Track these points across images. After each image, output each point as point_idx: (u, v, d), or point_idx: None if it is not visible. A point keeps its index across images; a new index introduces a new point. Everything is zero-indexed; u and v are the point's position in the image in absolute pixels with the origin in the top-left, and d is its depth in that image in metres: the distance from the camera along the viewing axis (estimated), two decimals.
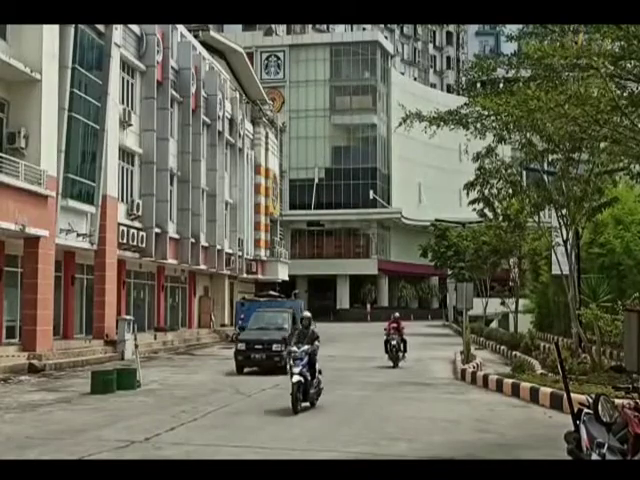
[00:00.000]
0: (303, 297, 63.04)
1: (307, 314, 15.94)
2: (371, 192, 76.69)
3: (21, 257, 24.87)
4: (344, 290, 76.58)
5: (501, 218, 33.29)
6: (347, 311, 74.12)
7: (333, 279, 75.97)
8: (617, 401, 8.44)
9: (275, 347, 22.12)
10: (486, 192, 29.13)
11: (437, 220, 56.35)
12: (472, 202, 31.93)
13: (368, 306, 72.52)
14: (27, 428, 12.53)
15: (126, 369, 19.54)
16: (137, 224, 33.14)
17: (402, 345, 24.79)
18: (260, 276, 55.06)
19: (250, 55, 65.43)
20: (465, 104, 17.05)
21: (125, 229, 31.50)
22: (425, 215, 72.36)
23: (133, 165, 33.98)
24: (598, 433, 6.84)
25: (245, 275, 50.64)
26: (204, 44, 45.62)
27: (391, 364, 24.09)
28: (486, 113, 16.41)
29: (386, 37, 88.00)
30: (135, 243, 32.43)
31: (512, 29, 16.21)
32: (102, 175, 28.51)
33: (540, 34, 14.77)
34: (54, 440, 11.33)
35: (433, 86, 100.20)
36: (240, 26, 78.94)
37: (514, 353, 25.94)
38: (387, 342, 24.58)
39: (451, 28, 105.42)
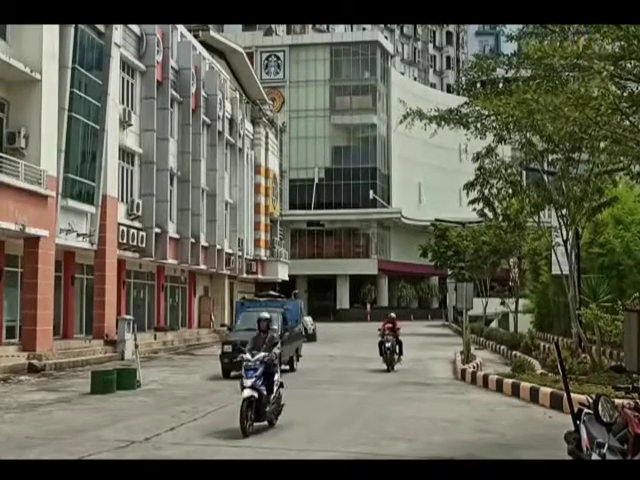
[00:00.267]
0: (303, 297, 62.99)
1: (265, 315, 13.44)
2: (371, 192, 76.69)
3: (21, 257, 24.87)
4: (344, 290, 76.57)
5: (501, 218, 33.30)
6: (347, 311, 74.11)
7: (333, 279, 75.97)
8: (617, 401, 8.44)
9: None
10: (486, 192, 29.12)
11: (437, 220, 56.37)
12: (472, 202, 31.91)
13: (368, 306, 72.51)
14: (27, 428, 12.53)
15: (126, 369, 19.54)
16: (137, 224, 33.14)
17: (398, 347, 23.58)
18: (260, 276, 55.06)
19: (250, 55, 65.42)
20: (465, 103, 17.04)
21: (125, 229, 31.50)
22: (425, 215, 72.37)
23: (133, 165, 33.98)
24: (598, 433, 6.85)
25: (245, 275, 50.63)
26: (204, 44, 45.61)
27: (385, 367, 22.85)
28: (486, 113, 16.41)
29: (386, 37, 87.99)
30: (135, 243, 32.42)
31: (512, 29, 16.21)
32: (102, 175, 28.51)
33: (540, 34, 14.77)
34: (54, 440, 11.34)
35: (433, 86, 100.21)
36: (240, 26, 78.90)
37: (514, 353, 25.95)
38: (381, 344, 23.17)
39: (451, 28, 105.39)
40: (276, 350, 12.67)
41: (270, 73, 78.93)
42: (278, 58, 79.34)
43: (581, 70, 12.65)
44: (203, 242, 41.05)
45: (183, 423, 12.90)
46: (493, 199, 30.52)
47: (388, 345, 22.95)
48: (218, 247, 42.93)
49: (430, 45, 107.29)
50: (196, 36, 44.08)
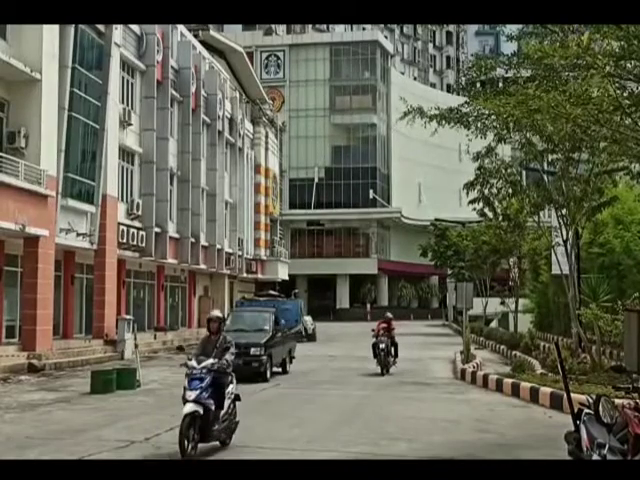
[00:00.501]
0: (303, 297, 63.03)
1: (216, 313, 11.38)
2: (371, 192, 76.69)
3: (21, 257, 24.87)
4: (344, 290, 76.57)
5: (501, 218, 33.30)
6: (347, 311, 74.11)
7: (333, 278, 75.97)
8: (617, 401, 8.44)
9: (253, 351, 19.84)
10: (486, 192, 29.12)
11: (437, 220, 56.41)
12: (472, 202, 31.90)
13: (368, 306, 72.50)
14: (27, 428, 12.53)
15: (126, 369, 19.54)
16: (137, 223, 33.14)
17: (393, 349, 22.49)
18: (260, 275, 55.09)
19: (250, 55, 65.42)
20: (466, 102, 17.03)
21: (125, 228, 31.50)
22: (425, 215, 72.37)
23: (133, 164, 33.98)
24: (598, 433, 6.85)
25: (245, 275, 50.65)
26: (204, 44, 45.62)
27: (379, 370, 21.65)
28: (486, 112, 16.39)
29: (386, 37, 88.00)
30: (135, 243, 32.42)
31: (512, 29, 16.20)
32: (102, 174, 28.51)
33: (540, 34, 14.76)
34: (54, 440, 11.33)
35: (433, 86, 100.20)
36: (240, 26, 78.82)
37: (514, 353, 25.94)
38: (375, 345, 21.92)
39: (451, 28, 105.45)
40: (228, 356, 10.71)
41: (270, 73, 78.93)
42: (278, 58, 79.33)
43: (581, 69, 12.65)
44: (203, 242, 41.05)
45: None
46: (493, 199, 30.53)
47: (382, 346, 21.78)
48: (218, 247, 42.94)
49: (430, 45, 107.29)
50: (196, 36, 44.08)
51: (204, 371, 10.32)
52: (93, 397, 16.62)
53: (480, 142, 21.02)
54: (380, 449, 10.66)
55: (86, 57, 27.38)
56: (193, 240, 38.96)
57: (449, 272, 52.59)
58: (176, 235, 37.51)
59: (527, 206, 24.81)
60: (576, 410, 7.66)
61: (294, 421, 13.31)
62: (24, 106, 24.22)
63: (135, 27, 33.31)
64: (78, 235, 27.39)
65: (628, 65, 12.50)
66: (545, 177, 22.32)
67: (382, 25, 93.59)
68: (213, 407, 10.22)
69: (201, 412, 9.97)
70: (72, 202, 26.49)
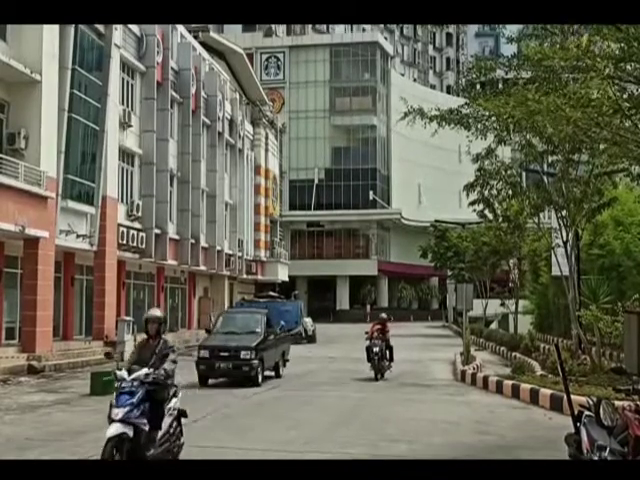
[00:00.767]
0: (303, 298, 63.02)
1: (155, 313, 9.54)
2: (371, 193, 76.70)
3: (21, 258, 24.87)
4: (344, 291, 76.55)
5: (501, 219, 33.25)
6: (347, 312, 74.06)
7: (333, 280, 75.95)
8: (617, 403, 8.43)
9: (244, 354, 19.09)
10: (486, 193, 29.08)
11: (437, 221, 56.34)
12: (472, 203, 31.87)
13: (368, 307, 72.46)
14: (27, 429, 12.52)
15: None
16: (137, 225, 33.14)
17: (388, 352, 21.45)
18: (260, 277, 55.09)
19: (250, 56, 65.43)
20: (466, 104, 17.01)
21: (125, 230, 31.50)
22: (425, 216, 72.30)
23: (133, 166, 33.98)
24: (599, 436, 6.84)
25: (245, 276, 50.65)
26: (204, 45, 45.63)
27: (372, 375, 20.64)
28: (487, 114, 16.38)
29: (386, 38, 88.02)
30: (135, 244, 32.42)
31: (512, 30, 16.19)
32: (102, 176, 28.52)
33: (540, 36, 14.76)
34: (54, 442, 11.33)
35: (433, 87, 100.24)
36: (240, 27, 78.87)
37: (514, 354, 25.91)
38: (369, 348, 20.75)
39: (451, 29, 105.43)
40: (168, 365, 8.83)
41: (270, 74, 78.93)
42: (278, 59, 79.34)
43: (581, 71, 12.64)
44: (203, 243, 41.06)
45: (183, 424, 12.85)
46: (493, 200, 30.50)
47: (376, 350, 20.63)
48: (218, 248, 42.94)
49: (430, 46, 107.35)
50: (196, 37, 44.11)
51: (136, 383, 8.58)
52: (93, 399, 16.60)
53: (480, 143, 21.00)
54: (380, 450, 10.65)
55: (86, 58, 27.39)
56: (193, 241, 38.97)
57: (449, 273, 52.57)
58: (176, 236, 37.51)
59: (527, 207, 24.81)
60: (576, 412, 7.65)
61: (293, 424, 13.29)
62: (24, 107, 24.22)
63: (135, 28, 33.32)
64: (78, 236, 27.40)
65: (628, 67, 12.49)
66: (545, 178, 22.30)
67: (382, 26, 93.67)
68: (147, 427, 8.48)
69: (130, 434, 8.28)
70: (72, 203, 26.50)
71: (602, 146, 16.54)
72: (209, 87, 42.45)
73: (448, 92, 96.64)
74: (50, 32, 24.57)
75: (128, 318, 29.33)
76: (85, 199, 27.50)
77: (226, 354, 19.22)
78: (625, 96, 12.89)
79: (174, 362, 8.93)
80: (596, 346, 19.09)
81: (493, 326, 42.57)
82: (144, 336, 9.55)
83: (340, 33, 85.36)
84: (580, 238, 22.64)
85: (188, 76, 38.63)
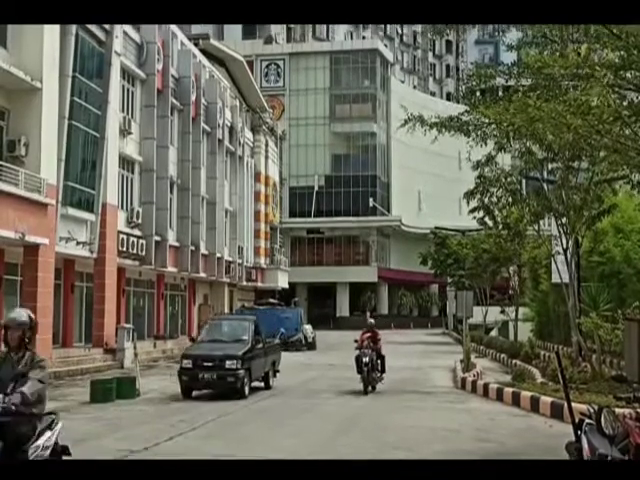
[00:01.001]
0: (303, 305, 63.02)
1: (18, 316, 6.72)
2: (371, 200, 76.74)
3: (21, 265, 24.84)
4: (344, 298, 76.51)
5: (501, 226, 33.26)
6: (347, 319, 73.95)
7: (333, 287, 75.93)
8: (618, 410, 8.41)
9: (229, 364, 17.96)
10: (486, 200, 29.09)
11: (437, 228, 56.38)
12: (472, 210, 31.87)
13: (368, 314, 72.38)
14: None
15: (125, 378, 19.51)
16: (137, 232, 33.14)
17: (379, 363, 20.05)
18: (260, 284, 55.07)
19: (250, 63, 65.51)
20: (466, 111, 17.04)
21: (125, 237, 31.50)
22: (425, 223, 72.35)
23: (133, 173, 34.00)
24: (600, 444, 6.82)
25: (245, 283, 50.64)
26: (204, 52, 45.71)
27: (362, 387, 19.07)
28: (487, 121, 16.40)
29: (386, 45, 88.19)
30: (135, 251, 32.42)
31: (512, 38, 16.23)
32: (102, 183, 28.52)
33: (540, 44, 14.79)
34: None
35: (433, 94, 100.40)
36: (240, 34, 79.15)
37: (514, 362, 25.90)
38: (358, 359, 19.20)
39: (451, 37, 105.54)
40: (28, 389, 6.30)
41: (270, 81, 79.06)
42: (278, 66, 79.47)
43: (581, 79, 12.66)
44: (203, 250, 41.06)
45: (182, 433, 12.86)
46: (493, 207, 30.50)
47: (366, 360, 19.05)
48: (218, 255, 42.94)
49: (430, 53, 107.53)
50: (196, 44, 44.19)
51: None
52: (93, 406, 16.60)
53: (480, 150, 21.00)
54: (379, 457, 10.62)
55: (86, 66, 27.42)
56: (193, 248, 38.97)
57: (449, 280, 52.56)
58: (176, 243, 37.51)
59: (527, 215, 24.81)
60: (577, 420, 7.63)
61: (294, 432, 13.27)
62: (24, 115, 24.23)
63: (135, 35, 33.39)
64: (78, 243, 27.39)
65: (628, 75, 12.52)
66: (545, 186, 22.31)
67: (382, 33, 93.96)
68: None
69: None
70: (72, 210, 26.50)
71: (602, 154, 16.56)
72: (209, 94, 42.51)
73: (448, 99, 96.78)
74: (51, 39, 24.59)
75: (128, 325, 29.37)
76: (85, 206, 27.51)
77: (210, 364, 18.11)
78: (625, 104, 12.91)
79: (41, 382, 6.49)
80: (596, 353, 19.08)
81: (493, 333, 42.56)
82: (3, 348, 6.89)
83: (340, 40, 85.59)
84: (580, 245, 22.64)
85: (188, 83, 38.69)
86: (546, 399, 15.35)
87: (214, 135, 42.92)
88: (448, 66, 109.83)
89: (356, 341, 20.14)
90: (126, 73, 33.06)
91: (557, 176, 21.32)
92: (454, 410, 16.34)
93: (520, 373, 19.95)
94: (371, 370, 19.20)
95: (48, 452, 6.63)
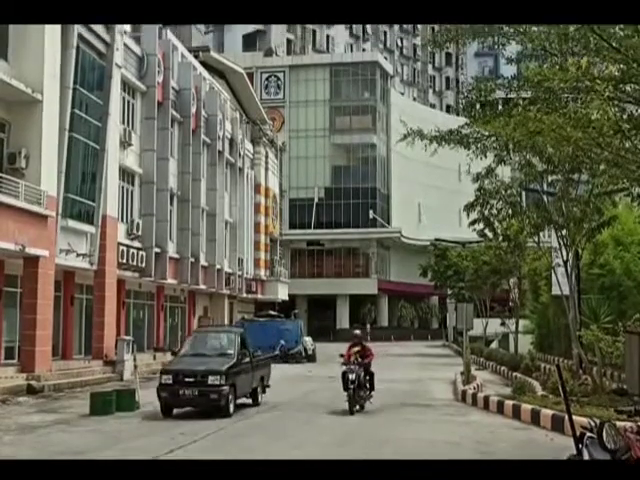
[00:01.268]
0: (303, 317, 62.90)
1: None
2: (371, 212, 76.77)
3: (20, 277, 24.83)
4: (344, 310, 76.39)
5: (501, 238, 33.25)
6: (347, 331, 73.53)
7: (333, 299, 75.83)
8: (619, 424, 8.39)
9: (212, 380, 16.62)
10: (486, 212, 29.10)
11: (437, 240, 56.35)
12: (472, 223, 31.91)
13: (368, 326, 72.25)
14: (26, 450, 12.46)
15: (125, 390, 19.47)
16: (137, 244, 33.14)
17: (367, 380, 18.30)
18: (260, 296, 55.05)
19: (250, 75, 65.72)
20: (466, 124, 17.08)
21: (125, 249, 31.50)
22: (425, 235, 72.29)
23: (133, 185, 34.03)
24: (601, 458, 6.79)
25: (245, 295, 50.62)
26: (204, 64, 45.85)
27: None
28: (487, 134, 16.44)
29: (386, 58, 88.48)
30: (135, 263, 32.41)
31: (511, 51, 16.26)
32: (102, 195, 28.55)
33: (540, 57, 14.83)
34: None
35: (432, 106, 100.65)
36: (240, 46, 79.49)
37: (514, 374, 25.82)
38: (344, 375, 17.68)
39: (450, 49, 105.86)
40: None
41: (270, 93, 79.26)
42: (278, 78, 79.68)
43: (581, 92, 12.69)
44: (203, 262, 41.05)
45: (182, 446, 12.81)
46: (493, 219, 30.51)
47: (352, 377, 17.34)
48: (218, 267, 42.93)
49: (430, 66, 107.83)
50: (196, 56, 44.36)
51: None
52: (92, 419, 16.55)
53: (480, 163, 21.02)
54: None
55: (87, 78, 27.48)
56: (193, 260, 38.97)
57: (449, 292, 52.53)
58: (176, 255, 37.51)
59: (527, 227, 24.80)
60: (578, 433, 7.60)
61: (294, 444, 13.23)
62: (25, 127, 24.27)
63: (136, 48, 33.49)
64: (78, 255, 27.39)
65: (628, 88, 12.55)
66: (545, 198, 22.34)
67: (382, 46, 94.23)
68: None
69: None
70: (72, 223, 26.51)
71: (602, 167, 16.59)
72: (209, 106, 42.60)
73: (448, 111, 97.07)
74: (51, 52, 24.68)
75: (128, 337, 29.32)
76: (85, 218, 27.52)
77: (192, 379, 16.85)
78: (625, 117, 12.94)
79: None
80: (597, 366, 19.04)
81: (493, 345, 42.49)
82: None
83: (340, 52, 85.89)
84: (580, 257, 22.65)
85: (188, 95, 38.78)
86: (547, 412, 15.31)
87: (214, 147, 42.99)
88: (448, 78, 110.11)
89: (342, 355, 18.91)
90: (126, 85, 33.13)
91: (557, 188, 21.35)
92: (454, 423, 16.29)
93: (521, 386, 19.89)
94: (358, 388, 17.66)
95: None
